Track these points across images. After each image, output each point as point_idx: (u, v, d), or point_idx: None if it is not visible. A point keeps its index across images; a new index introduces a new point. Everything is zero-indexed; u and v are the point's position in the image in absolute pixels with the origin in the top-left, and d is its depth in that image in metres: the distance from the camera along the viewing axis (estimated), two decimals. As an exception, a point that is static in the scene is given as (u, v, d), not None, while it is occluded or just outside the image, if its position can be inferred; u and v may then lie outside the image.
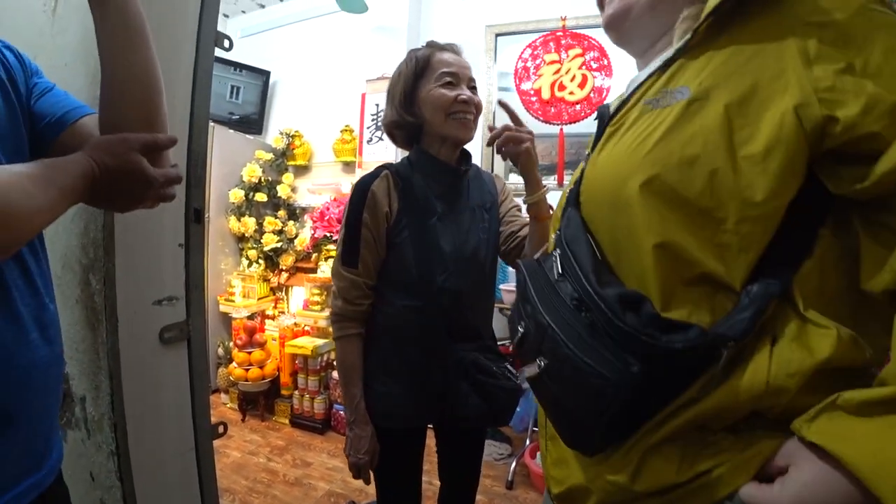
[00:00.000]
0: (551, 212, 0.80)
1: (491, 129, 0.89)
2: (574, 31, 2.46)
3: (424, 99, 0.94)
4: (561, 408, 0.49)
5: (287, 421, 2.56)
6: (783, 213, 0.41)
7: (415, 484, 1.03)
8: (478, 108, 0.96)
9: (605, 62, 2.38)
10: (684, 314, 0.42)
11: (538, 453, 1.84)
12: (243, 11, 3.44)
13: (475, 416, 0.92)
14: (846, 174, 0.39)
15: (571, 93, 2.42)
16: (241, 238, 2.90)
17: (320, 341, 2.50)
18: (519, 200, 1.03)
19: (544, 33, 2.51)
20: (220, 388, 2.78)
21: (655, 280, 0.43)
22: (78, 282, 0.81)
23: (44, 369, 0.58)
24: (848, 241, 0.41)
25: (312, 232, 2.73)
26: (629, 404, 0.42)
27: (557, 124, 2.45)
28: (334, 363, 2.51)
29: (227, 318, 2.85)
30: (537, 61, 2.51)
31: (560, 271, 0.50)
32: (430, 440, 1.07)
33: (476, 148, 2.57)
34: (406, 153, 1.03)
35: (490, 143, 0.89)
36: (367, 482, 0.98)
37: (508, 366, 0.99)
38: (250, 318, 2.75)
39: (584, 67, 2.41)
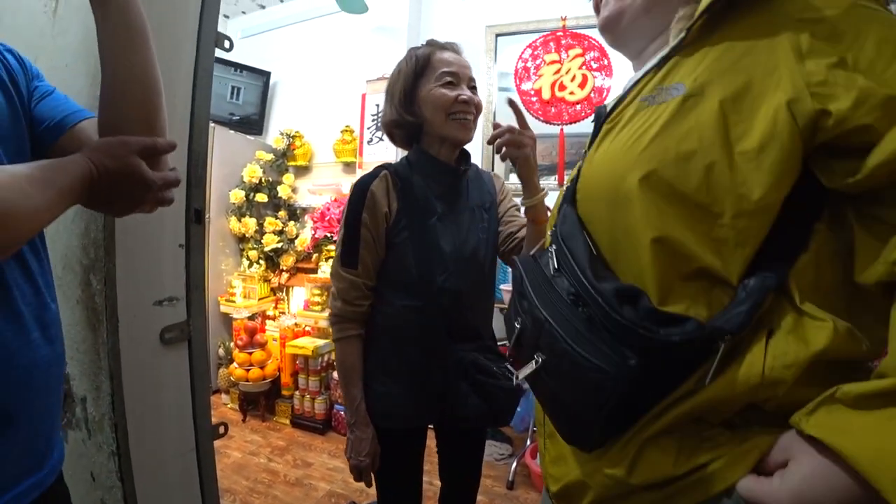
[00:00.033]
0: (549, 214, 0.80)
1: (496, 126, 0.89)
2: (574, 31, 2.46)
3: (425, 98, 0.94)
4: (559, 403, 0.49)
5: (288, 421, 2.56)
6: (779, 208, 0.41)
7: (415, 484, 1.02)
8: (478, 108, 0.96)
9: (606, 62, 2.39)
10: (681, 308, 0.43)
11: (538, 453, 1.84)
12: (244, 12, 3.45)
13: (475, 417, 0.92)
14: (839, 168, 0.39)
15: (572, 93, 2.42)
16: (242, 238, 2.90)
17: (321, 342, 2.51)
18: (518, 200, 1.03)
19: (544, 33, 2.52)
20: (221, 388, 2.78)
21: (653, 275, 0.43)
22: (79, 282, 0.81)
23: (45, 369, 0.58)
24: (843, 235, 0.42)
25: (313, 232, 2.73)
26: (627, 398, 0.42)
27: (558, 124, 2.45)
28: (335, 363, 2.51)
29: (227, 319, 2.85)
30: (537, 61, 2.51)
31: (556, 266, 0.50)
32: (431, 440, 1.07)
33: (476, 148, 2.57)
34: (405, 152, 1.04)
35: (491, 142, 0.88)
36: (369, 485, 0.98)
37: (508, 366, 0.99)
38: (251, 318, 2.75)
39: (584, 67, 2.42)
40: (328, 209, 2.67)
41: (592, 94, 2.39)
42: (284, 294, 2.91)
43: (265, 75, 3.18)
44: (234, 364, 2.58)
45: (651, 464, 0.44)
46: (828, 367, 0.39)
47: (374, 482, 0.99)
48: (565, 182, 0.58)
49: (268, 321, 2.89)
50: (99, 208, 0.62)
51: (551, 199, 0.83)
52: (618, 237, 0.47)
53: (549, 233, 0.59)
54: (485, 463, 1.14)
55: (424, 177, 0.95)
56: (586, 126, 2.40)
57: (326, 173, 2.98)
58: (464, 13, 2.80)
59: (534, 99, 2.49)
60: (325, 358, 2.53)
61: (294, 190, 3.02)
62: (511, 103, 0.90)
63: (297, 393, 2.55)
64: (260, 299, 2.79)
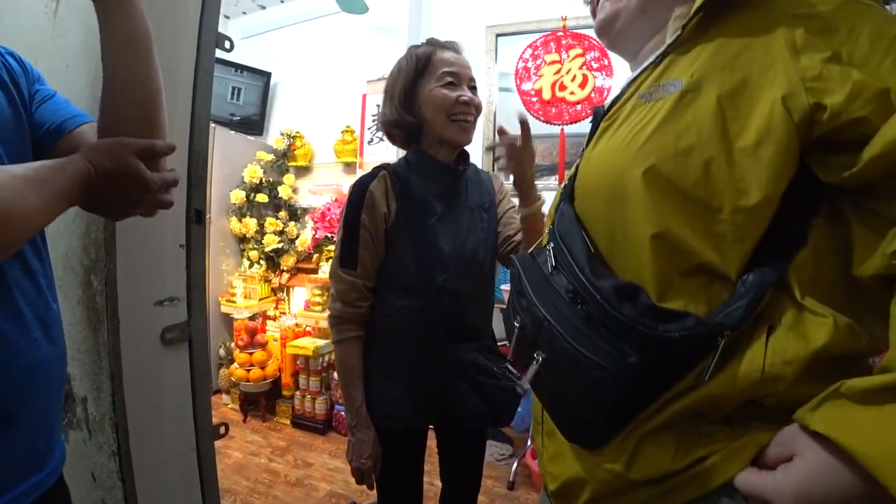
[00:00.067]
0: (545, 221, 0.80)
1: (500, 132, 0.88)
2: (574, 31, 2.46)
3: (425, 99, 0.93)
4: (559, 401, 0.49)
5: (288, 421, 2.56)
6: (777, 204, 0.41)
7: (416, 485, 1.02)
8: (478, 109, 0.96)
9: (606, 62, 2.39)
10: (680, 305, 0.43)
11: (536, 451, 1.84)
12: (244, 13, 3.45)
13: (475, 417, 0.92)
14: (835, 162, 0.39)
15: (572, 93, 2.42)
16: (243, 239, 2.90)
17: (321, 342, 2.51)
18: (516, 201, 1.03)
19: (545, 33, 2.52)
20: (222, 388, 2.78)
21: (652, 271, 0.43)
22: (79, 283, 0.82)
23: (46, 368, 0.58)
24: (841, 230, 0.42)
25: (313, 232, 2.73)
26: (627, 395, 0.42)
27: (558, 124, 2.45)
28: (335, 364, 2.51)
29: (228, 319, 2.85)
30: (538, 61, 2.51)
31: (554, 264, 0.50)
32: (432, 440, 1.07)
33: (475, 148, 2.57)
34: (405, 152, 1.03)
35: (489, 150, 0.88)
36: (371, 488, 0.97)
37: (509, 366, 0.99)
38: (251, 318, 2.75)
39: (584, 67, 2.41)
40: (329, 209, 2.67)
41: (593, 95, 2.39)
42: (285, 294, 2.91)
43: (266, 76, 3.19)
44: (235, 364, 2.58)
45: (650, 459, 0.44)
46: (828, 363, 0.39)
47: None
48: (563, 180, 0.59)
49: (268, 321, 2.89)
50: (97, 210, 0.62)
51: (549, 201, 0.83)
52: (616, 234, 0.47)
53: (546, 230, 0.59)
54: (485, 463, 1.14)
55: (423, 177, 0.95)
56: (587, 126, 2.39)
57: (327, 173, 2.98)
58: (464, 13, 2.80)
59: (534, 99, 2.48)
60: (326, 358, 2.53)
61: (295, 190, 3.03)
62: (522, 121, 0.85)
63: (297, 393, 2.55)
64: (260, 299, 2.79)
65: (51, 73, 0.73)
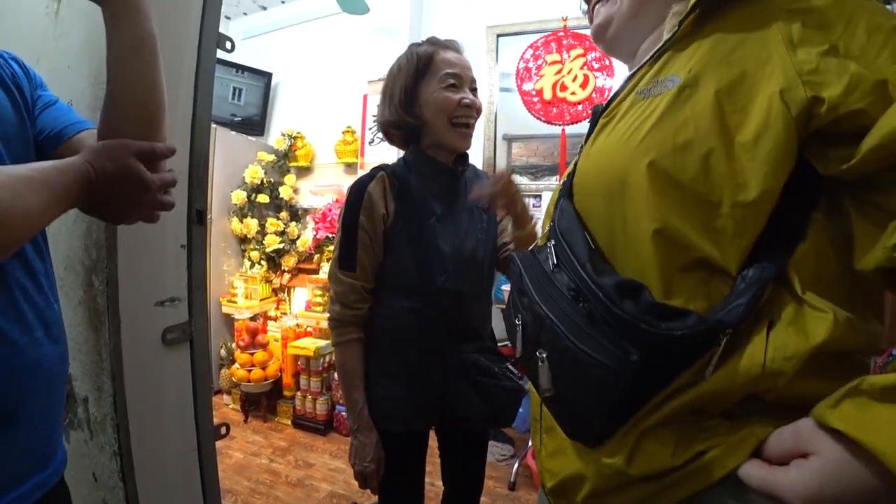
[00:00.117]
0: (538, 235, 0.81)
1: (496, 174, 0.90)
2: (575, 31, 2.46)
3: (427, 100, 0.93)
4: (561, 398, 0.49)
5: (289, 422, 2.56)
6: (776, 198, 0.41)
7: (417, 486, 1.02)
8: (478, 111, 0.96)
9: (607, 62, 2.38)
10: (681, 301, 0.43)
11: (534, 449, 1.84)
12: (245, 13, 3.46)
13: (476, 417, 0.91)
14: (833, 155, 0.39)
15: (573, 93, 2.42)
16: (244, 239, 2.90)
17: (322, 342, 2.51)
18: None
19: (546, 34, 2.51)
20: (223, 389, 2.79)
21: (655, 267, 0.43)
22: (80, 283, 0.82)
23: (48, 368, 0.58)
24: (841, 224, 0.41)
25: (314, 233, 2.74)
26: (628, 392, 0.42)
27: (559, 125, 2.45)
28: (335, 366, 2.52)
29: (229, 320, 2.85)
30: (539, 62, 2.51)
31: (555, 262, 0.50)
32: (434, 441, 1.07)
33: (475, 148, 2.57)
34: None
35: (473, 199, 0.89)
36: (374, 491, 0.97)
37: (509, 366, 0.99)
38: (252, 319, 2.75)
39: (585, 67, 2.41)
40: (330, 210, 2.68)
41: (594, 95, 2.38)
42: (286, 295, 2.91)
43: (267, 76, 3.19)
44: (236, 365, 2.58)
45: (650, 455, 0.44)
46: (828, 358, 0.39)
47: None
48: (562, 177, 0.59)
49: (269, 322, 2.89)
50: (96, 213, 0.62)
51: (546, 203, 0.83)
52: (615, 230, 0.47)
53: (546, 228, 0.59)
54: (487, 464, 1.13)
55: (422, 177, 0.95)
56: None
57: (328, 174, 2.98)
58: (465, 13, 2.80)
59: (535, 99, 2.48)
60: (327, 358, 2.53)
61: (296, 191, 3.03)
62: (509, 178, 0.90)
63: (298, 393, 2.55)
64: (261, 300, 2.79)
65: (52, 73, 0.73)
